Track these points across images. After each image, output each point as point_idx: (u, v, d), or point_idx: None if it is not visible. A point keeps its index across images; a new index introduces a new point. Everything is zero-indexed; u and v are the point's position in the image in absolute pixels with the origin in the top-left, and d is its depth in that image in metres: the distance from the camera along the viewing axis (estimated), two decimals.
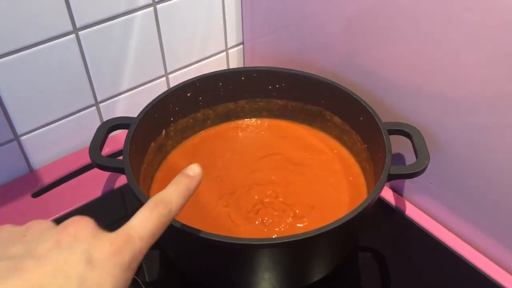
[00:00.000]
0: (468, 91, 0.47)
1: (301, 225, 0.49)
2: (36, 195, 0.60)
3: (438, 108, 0.50)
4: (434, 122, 0.52)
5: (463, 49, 0.45)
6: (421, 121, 0.52)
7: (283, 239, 0.39)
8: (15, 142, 0.59)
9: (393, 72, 0.53)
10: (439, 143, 0.52)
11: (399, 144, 0.54)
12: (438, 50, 0.47)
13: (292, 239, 0.39)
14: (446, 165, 0.52)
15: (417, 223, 0.56)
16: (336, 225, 0.40)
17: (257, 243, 0.39)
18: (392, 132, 0.50)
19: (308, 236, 0.39)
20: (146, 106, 0.53)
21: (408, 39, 0.50)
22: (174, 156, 0.58)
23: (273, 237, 0.47)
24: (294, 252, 0.43)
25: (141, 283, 0.50)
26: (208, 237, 0.39)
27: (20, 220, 0.56)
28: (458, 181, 0.52)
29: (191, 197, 0.53)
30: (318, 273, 0.47)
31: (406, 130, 0.50)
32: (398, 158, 0.57)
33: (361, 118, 0.53)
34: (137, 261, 0.28)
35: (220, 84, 0.58)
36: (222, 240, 0.39)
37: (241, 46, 0.75)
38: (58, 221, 0.57)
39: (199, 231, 0.39)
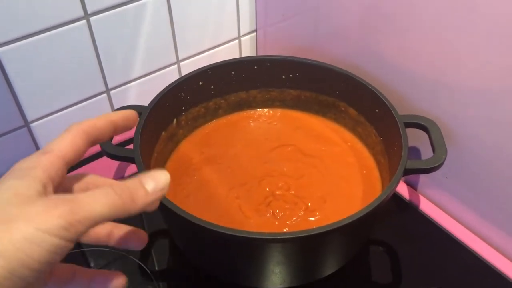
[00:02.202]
0: (489, 84, 0.45)
1: (313, 218, 0.48)
2: None
3: (456, 101, 0.49)
4: (452, 116, 0.50)
5: (484, 40, 0.44)
6: (438, 115, 0.51)
7: (295, 234, 0.38)
8: (25, 129, 0.59)
9: (410, 63, 0.52)
10: (457, 137, 0.50)
11: (414, 137, 0.53)
12: (458, 40, 0.46)
13: (305, 234, 0.38)
14: (463, 160, 0.51)
15: (431, 218, 0.55)
16: (349, 220, 0.39)
17: (269, 237, 0.38)
18: (408, 125, 0.49)
19: (321, 231, 0.38)
20: (158, 95, 0.52)
21: (427, 29, 0.48)
22: (185, 146, 0.57)
23: (285, 230, 0.47)
24: (306, 247, 0.42)
25: (149, 272, 0.50)
26: (219, 230, 0.38)
27: None
28: (475, 177, 0.51)
29: (201, 187, 0.52)
30: (329, 268, 0.47)
31: (423, 123, 0.49)
32: (413, 152, 0.56)
33: (376, 110, 0.52)
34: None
35: (233, 73, 0.57)
36: (233, 233, 0.38)
37: (254, 33, 0.73)
38: None
39: (209, 223, 0.38)
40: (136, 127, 0.48)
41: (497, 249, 0.52)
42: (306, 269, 0.45)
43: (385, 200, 0.42)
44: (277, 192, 0.51)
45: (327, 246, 0.43)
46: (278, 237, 0.39)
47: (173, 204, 0.40)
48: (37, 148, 0.61)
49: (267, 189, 0.51)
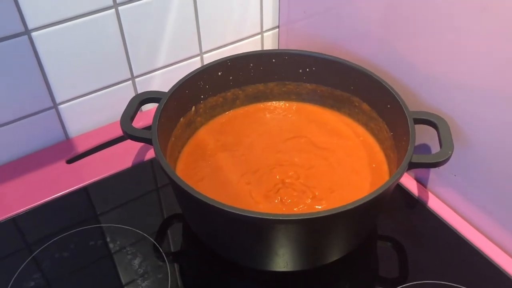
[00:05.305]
0: (502, 84, 0.46)
1: (320, 207, 0.50)
2: (70, 161, 0.63)
3: (469, 100, 0.50)
4: (464, 115, 0.51)
5: (497, 40, 0.44)
6: (451, 113, 0.52)
7: (298, 216, 0.40)
8: (53, 110, 0.62)
9: (426, 62, 0.53)
10: (467, 136, 0.51)
11: (427, 136, 0.54)
12: (471, 40, 0.47)
13: (307, 217, 0.40)
14: (472, 158, 0.52)
15: (438, 215, 0.56)
16: (353, 206, 0.41)
17: (273, 218, 0.40)
18: (418, 121, 0.50)
19: (323, 215, 0.40)
20: (178, 82, 0.54)
21: (442, 29, 0.49)
22: (202, 133, 0.59)
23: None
24: (308, 230, 0.43)
25: (162, 252, 0.52)
26: (225, 209, 0.40)
27: (54, 184, 0.59)
28: (483, 176, 0.51)
29: (215, 172, 0.54)
30: (331, 255, 0.48)
31: (432, 120, 0.50)
32: (424, 149, 0.57)
33: (388, 106, 0.53)
34: None
35: (251, 65, 0.59)
36: (237, 212, 0.40)
37: (277, 29, 0.75)
38: (90, 187, 0.60)
39: (218, 203, 0.41)
40: (155, 111, 0.51)
41: (505, 250, 0.52)
42: (308, 253, 0.47)
43: (389, 189, 0.43)
44: (286, 180, 0.53)
45: (330, 232, 0.45)
46: (282, 218, 0.40)
47: (185, 183, 0.43)
48: (64, 128, 0.64)
49: (277, 177, 0.53)
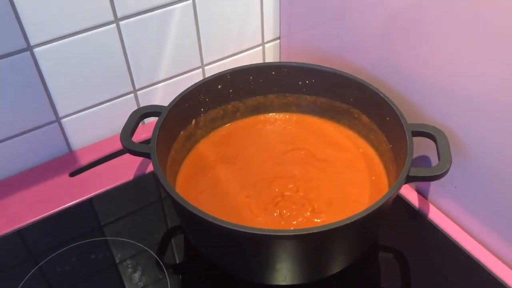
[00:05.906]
0: (499, 95, 0.46)
1: (319, 220, 0.50)
2: (73, 174, 0.63)
3: (468, 112, 0.49)
4: (464, 127, 0.51)
5: (496, 53, 0.44)
6: (451, 125, 0.52)
7: (294, 232, 0.40)
8: (56, 124, 0.63)
9: (425, 73, 0.53)
10: (467, 148, 0.51)
11: (427, 147, 0.54)
12: (471, 53, 0.47)
13: (304, 233, 0.40)
14: (472, 170, 0.51)
15: (439, 226, 0.55)
16: (350, 221, 0.41)
17: (268, 233, 0.40)
18: (416, 133, 0.50)
19: (320, 230, 0.40)
20: (177, 96, 0.55)
21: (441, 41, 0.49)
22: (203, 146, 0.60)
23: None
24: (305, 245, 0.43)
25: (162, 265, 0.53)
26: (222, 224, 0.40)
27: (57, 196, 0.60)
28: (483, 188, 0.51)
29: (214, 185, 0.55)
30: (330, 269, 0.48)
31: (431, 132, 0.50)
32: (424, 161, 0.57)
33: (387, 118, 0.53)
34: None
35: (251, 77, 0.60)
36: (233, 228, 0.40)
37: (278, 41, 0.76)
38: (93, 199, 0.60)
39: (215, 218, 0.41)
40: (155, 126, 0.51)
41: (504, 261, 0.52)
42: (307, 267, 0.47)
43: (386, 204, 0.43)
44: (286, 193, 0.53)
45: (328, 246, 0.45)
46: (278, 234, 0.40)
47: (183, 198, 0.43)
48: (67, 142, 0.65)
49: (277, 189, 0.53)
